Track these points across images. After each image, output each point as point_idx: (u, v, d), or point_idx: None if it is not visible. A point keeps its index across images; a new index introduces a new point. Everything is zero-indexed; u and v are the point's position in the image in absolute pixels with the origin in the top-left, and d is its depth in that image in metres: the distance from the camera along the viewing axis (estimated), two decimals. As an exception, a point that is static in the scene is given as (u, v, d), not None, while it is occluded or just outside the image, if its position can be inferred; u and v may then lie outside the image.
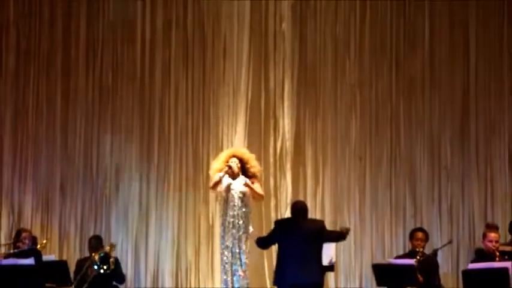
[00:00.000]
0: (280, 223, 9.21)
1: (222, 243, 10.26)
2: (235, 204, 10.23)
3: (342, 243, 10.84)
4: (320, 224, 9.07)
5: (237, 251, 10.14)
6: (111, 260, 9.52)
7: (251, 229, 10.29)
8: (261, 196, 10.22)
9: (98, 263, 9.50)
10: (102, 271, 9.48)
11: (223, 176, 10.10)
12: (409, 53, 11.72)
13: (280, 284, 8.78)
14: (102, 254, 9.59)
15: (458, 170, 11.50)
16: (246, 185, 9.94)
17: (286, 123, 11.54)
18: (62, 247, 11.32)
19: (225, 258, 10.18)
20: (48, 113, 11.63)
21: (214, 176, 10.28)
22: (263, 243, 9.21)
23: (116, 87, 11.69)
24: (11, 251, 9.96)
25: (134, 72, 11.70)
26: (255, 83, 11.61)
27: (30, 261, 9.17)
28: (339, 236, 9.07)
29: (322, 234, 8.87)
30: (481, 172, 11.46)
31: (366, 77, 11.65)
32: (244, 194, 10.30)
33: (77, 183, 11.52)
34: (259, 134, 11.53)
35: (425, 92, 11.63)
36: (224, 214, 10.27)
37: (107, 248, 9.77)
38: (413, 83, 11.67)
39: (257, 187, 10.15)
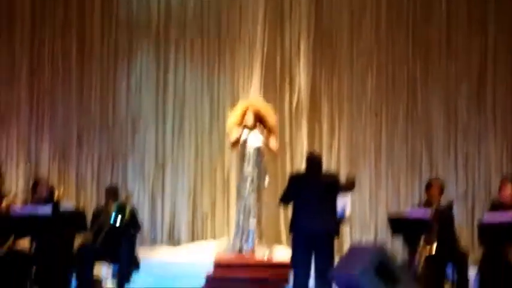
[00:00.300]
0: (294, 178, 9.20)
1: (237, 196, 10.34)
2: (251, 158, 10.32)
3: (357, 199, 10.96)
4: (334, 177, 9.07)
5: (251, 203, 10.22)
6: (127, 210, 9.58)
7: (266, 183, 10.38)
8: (275, 153, 10.31)
9: (114, 214, 9.55)
10: (118, 221, 9.54)
11: (241, 133, 10.19)
12: (426, 14, 11.63)
13: (296, 232, 8.82)
14: (118, 205, 9.64)
15: (474, 128, 11.46)
16: (264, 143, 10.15)
17: (302, 80, 11.50)
18: (78, 196, 11.38)
19: (239, 210, 10.26)
20: (63, 63, 11.64)
21: (232, 134, 10.34)
22: (284, 200, 9.18)
23: (131, 40, 11.69)
24: (28, 201, 10.04)
25: (149, 26, 11.69)
26: (270, 41, 11.59)
27: (47, 210, 9.25)
28: (347, 185, 9.07)
29: (336, 188, 8.89)
30: (498, 130, 11.42)
31: (382, 38, 11.60)
32: (259, 148, 10.37)
33: (93, 133, 11.57)
34: (274, 87, 11.52)
35: (442, 53, 11.58)
36: (240, 168, 10.37)
37: (123, 198, 9.82)
38: (430, 43, 11.59)
39: (272, 144, 10.22)
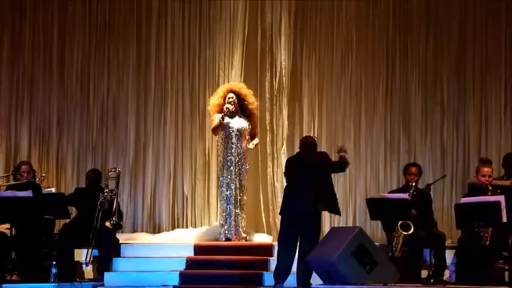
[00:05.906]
0: (288, 160, 9.36)
1: (221, 181, 10.37)
2: (233, 141, 10.34)
3: (336, 181, 11.01)
4: (323, 156, 9.13)
5: (236, 186, 10.26)
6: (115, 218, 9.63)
7: (247, 168, 10.44)
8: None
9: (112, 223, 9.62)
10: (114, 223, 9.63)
11: (223, 118, 10.20)
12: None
13: (282, 213, 8.98)
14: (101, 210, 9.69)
15: (453, 106, 11.48)
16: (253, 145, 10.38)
17: (282, 59, 11.50)
18: (59, 180, 11.38)
19: (223, 195, 10.29)
20: (44, 46, 11.62)
21: (214, 119, 10.35)
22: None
23: (112, 22, 11.65)
24: (11, 183, 10.08)
25: (131, 7, 11.66)
26: (251, 19, 11.56)
27: (28, 193, 9.29)
28: (339, 163, 9.11)
29: (325, 164, 8.94)
30: (476, 108, 11.44)
31: (362, 11, 11.59)
32: (241, 132, 10.40)
33: (73, 115, 11.54)
34: (255, 69, 11.50)
35: (422, 28, 11.56)
36: (223, 152, 10.38)
37: (107, 190, 9.84)
38: (410, 18, 11.57)
39: (256, 142, 10.41)
